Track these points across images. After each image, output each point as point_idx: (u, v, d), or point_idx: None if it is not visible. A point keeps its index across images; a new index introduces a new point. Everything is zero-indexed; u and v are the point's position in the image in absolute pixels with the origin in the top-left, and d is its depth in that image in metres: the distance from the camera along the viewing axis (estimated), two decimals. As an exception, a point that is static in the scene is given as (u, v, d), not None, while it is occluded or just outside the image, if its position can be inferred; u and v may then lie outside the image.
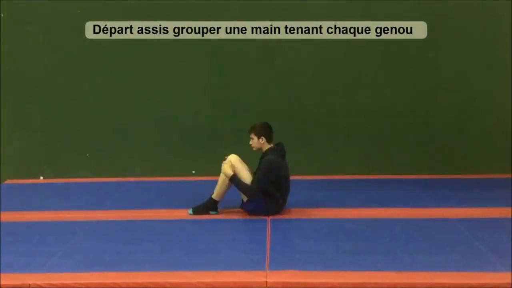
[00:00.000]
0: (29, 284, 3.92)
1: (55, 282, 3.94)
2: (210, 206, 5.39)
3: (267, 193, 5.26)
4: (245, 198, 5.32)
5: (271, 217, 5.24)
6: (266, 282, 3.92)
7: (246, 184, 5.25)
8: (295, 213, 5.40)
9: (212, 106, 6.92)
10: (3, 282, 3.91)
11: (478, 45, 6.70)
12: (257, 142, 5.35)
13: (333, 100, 6.84)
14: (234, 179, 5.24)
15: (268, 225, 5.07)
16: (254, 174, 5.35)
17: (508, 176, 6.51)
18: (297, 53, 6.78)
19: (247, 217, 5.32)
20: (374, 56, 6.76)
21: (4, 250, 4.49)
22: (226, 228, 5.07)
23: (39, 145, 6.97)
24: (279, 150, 5.36)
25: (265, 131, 5.35)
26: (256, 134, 5.34)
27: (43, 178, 6.93)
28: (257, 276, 3.97)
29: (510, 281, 3.84)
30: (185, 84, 6.89)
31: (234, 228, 5.11)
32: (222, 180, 5.34)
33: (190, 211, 5.40)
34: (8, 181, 6.82)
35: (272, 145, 5.37)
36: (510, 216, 5.13)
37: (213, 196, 5.39)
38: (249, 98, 6.84)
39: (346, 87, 6.84)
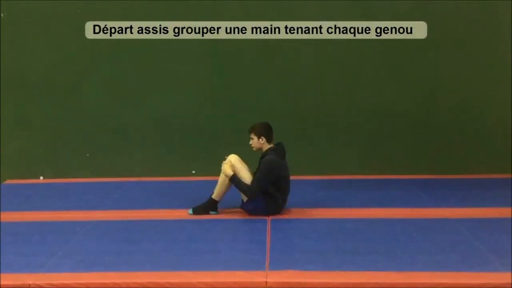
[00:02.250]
0: (29, 284, 3.93)
1: (55, 282, 3.94)
2: (210, 206, 5.39)
3: (267, 193, 5.26)
4: (245, 198, 5.32)
5: (271, 217, 5.24)
6: (266, 282, 3.92)
7: (246, 184, 5.25)
8: (295, 213, 5.40)
9: (212, 106, 6.92)
10: (3, 282, 3.92)
11: (478, 45, 6.70)
12: (257, 142, 5.35)
13: (333, 100, 6.84)
14: (234, 179, 5.24)
15: (268, 225, 5.07)
16: (254, 174, 5.35)
17: (508, 176, 6.51)
18: (297, 53, 6.78)
19: (247, 217, 5.32)
20: (374, 56, 6.75)
21: (4, 250, 4.49)
22: (226, 228, 5.07)
23: (39, 145, 6.97)
24: (279, 150, 5.36)
25: (265, 131, 5.35)
26: (256, 134, 5.34)
27: (43, 178, 6.93)
28: (257, 276, 3.97)
29: (510, 281, 3.84)
30: (185, 84, 6.88)
31: (234, 228, 5.11)
32: (222, 180, 5.34)
33: (190, 211, 5.40)
34: (8, 181, 6.82)
35: (272, 145, 5.37)
36: (510, 216, 5.13)
37: (213, 196, 5.39)
38: (249, 98, 6.84)
39: (346, 87, 6.84)
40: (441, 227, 4.95)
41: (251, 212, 5.32)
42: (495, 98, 6.77)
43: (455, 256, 4.29)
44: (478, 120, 6.81)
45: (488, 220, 5.10)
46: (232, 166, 5.30)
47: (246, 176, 5.29)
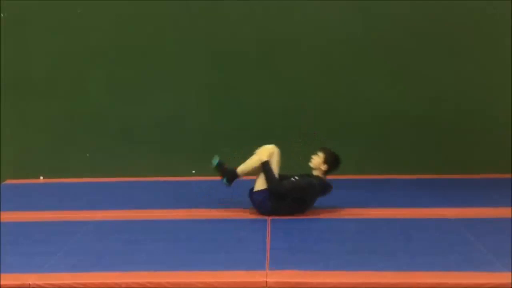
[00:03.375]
0: (29, 284, 3.93)
1: (55, 282, 3.94)
2: (230, 174, 5.37)
3: (280, 198, 5.23)
4: (257, 187, 5.28)
5: (271, 217, 5.24)
6: (266, 282, 3.92)
7: (274, 175, 5.23)
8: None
9: (212, 106, 6.92)
10: (3, 282, 3.92)
11: (478, 45, 6.70)
12: (318, 163, 5.31)
13: (333, 100, 6.83)
14: (266, 165, 5.23)
15: (268, 225, 5.07)
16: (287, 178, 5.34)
17: (508, 176, 6.51)
18: (297, 53, 6.77)
19: (247, 217, 5.32)
20: (374, 56, 6.75)
21: (4, 250, 4.49)
22: (226, 228, 5.07)
23: (39, 145, 6.97)
24: (323, 186, 5.32)
25: (332, 163, 5.34)
26: (324, 157, 5.32)
27: (43, 178, 6.93)
28: (257, 276, 3.97)
29: (510, 281, 3.84)
30: (185, 84, 6.88)
31: (234, 228, 5.10)
32: (254, 161, 5.32)
33: (216, 159, 5.37)
34: (8, 181, 6.82)
35: (325, 177, 5.36)
36: (510, 216, 5.13)
37: (237, 170, 5.37)
38: (249, 98, 6.84)
39: (346, 87, 6.83)
40: (441, 227, 4.95)
41: (255, 203, 5.30)
42: (495, 98, 6.77)
43: (455, 256, 4.29)
44: (478, 120, 6.81)
45: (488, 220, 5.10)
46: (270, 155, 5.28)
47: (275, 169, 5.27)
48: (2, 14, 6.76)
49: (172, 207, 5.63)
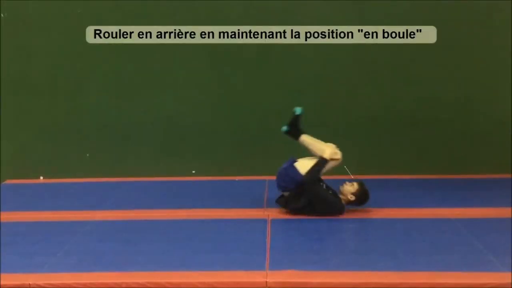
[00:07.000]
0: (29, 284, 3.93)
1: (55, 282, 3.95)
2: (295, 130, 5.50)
3: (303, 193, 5.25)
4: (300, 166, 5.32)
5: (271, 217, 5.24)
6: (266, 282, 3.92)
7: (318, 174, 5.26)
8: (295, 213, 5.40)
9: (212, 106, 6.91)
10: (3, 282, 3.92)
11: (478, 45, 6.69)
12: (348, 191, 5.32)
13: (333, 100, 6.83)
14: (323, 162, 5.27)
15: (268, 225, 5.07)
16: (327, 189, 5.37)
17: (508, 176, 6.51)
18: (297, 53, 6.77)
19: (247, 217, 5.32)
20: (374, 56, 6.74)
21: (4, 250, 4.50)
22: (226, 228, 5.07)
23: (39, 145, 6.97)
24: (340, 211, 5.30)
25: (360, 198, 5.34)
26: (357, 190, 5.32)
27: (43, 178, 6.93)
28: (257, 276, 3.97)
29: (510, 281, 3.85)
30: (185, 84, 6.88)
31: (234, 228, 5.10)
32: (319, 148, 5.38)
33: (300, 109, 5.51)
34: (8, 181, 6.82)
35: (349, 202, 5.35)
36: (510, 216, 5.13)
37: (303, 136, 5.46)
38: (249, 98, 6.83)
39: (346, 87, 6.83)
40: (441, 227, 4.95)
41: (287, 172, 5.31)
42: (495, 98, 6.77)
43: (455, 256, 4.29)
44: (478, 120, 6.80)
45: (488, 220, 5.10)
46: (332, 158, 5.32)
47: (323, 171, 5.32)
48: (2, 14, 6.76)
49: (172, 207, 5.63)
